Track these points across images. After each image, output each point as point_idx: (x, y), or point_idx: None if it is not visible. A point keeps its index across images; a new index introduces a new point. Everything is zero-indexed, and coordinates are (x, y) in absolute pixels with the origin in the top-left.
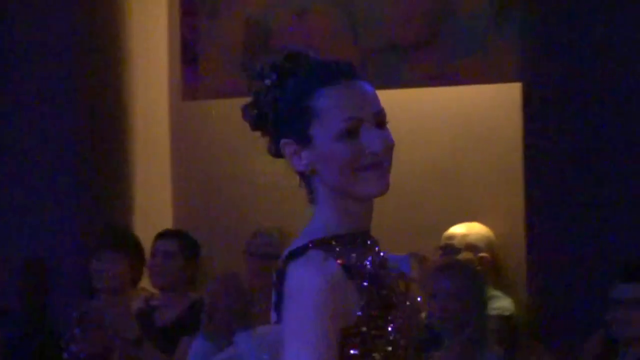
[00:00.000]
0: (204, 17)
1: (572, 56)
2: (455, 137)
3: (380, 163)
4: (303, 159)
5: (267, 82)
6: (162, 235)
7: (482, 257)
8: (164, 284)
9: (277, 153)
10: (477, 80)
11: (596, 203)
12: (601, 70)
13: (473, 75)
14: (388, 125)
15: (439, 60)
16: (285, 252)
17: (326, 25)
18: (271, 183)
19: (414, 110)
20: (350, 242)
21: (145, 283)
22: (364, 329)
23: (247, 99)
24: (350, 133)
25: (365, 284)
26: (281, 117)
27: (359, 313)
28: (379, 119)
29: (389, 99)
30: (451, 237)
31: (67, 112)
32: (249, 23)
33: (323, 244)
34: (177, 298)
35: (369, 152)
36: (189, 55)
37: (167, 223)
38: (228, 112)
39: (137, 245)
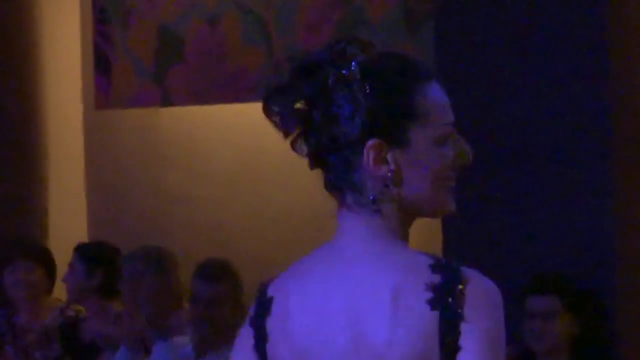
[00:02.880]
0: (117, 25)
1: (487, 67)
2: None
3: (454, 179)
4: (391, 163)
5: (346, 72)
6: (83, 248)
7: None
8: (81, 296)
9: (326, 160)
10: None
11: (508, 216)
12: (516, 77)
13: None
14: None
15: None
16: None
17: (239, 34)
18: (185, 194)
19: None
20: None
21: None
22: None
23: (161, 109)
24: (446, 139)
25: None
26: (368, 115)
27: None
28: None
29: None
30: None
31: None
32: (161, 31)
33: None
34: (98, 311)
35: (460, 162)
36: (102, 63)
37: (82, 233)
38: (141, 122)
39: (47, 254)
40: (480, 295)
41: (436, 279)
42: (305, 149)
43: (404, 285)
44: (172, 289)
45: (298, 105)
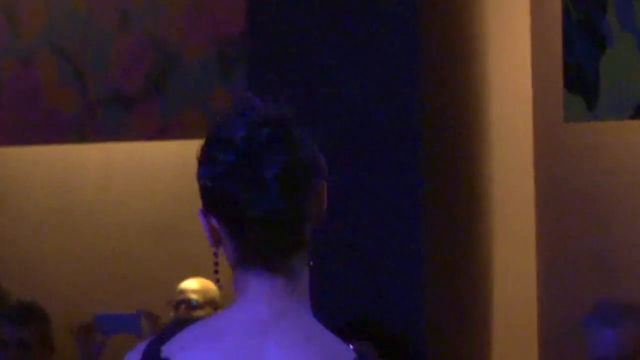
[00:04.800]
0: None
1: (301, 110)
2: (179, 191)
3: None
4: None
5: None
6: None
7: None
8: None
9: None
10: (202, 134)
11: (315, 256)
12: (330, 118)
13: (198, 129)
14: (109, 180)
15: (165, 112)
16: None
17: (53, 74)
18: None
19: (139, 164)
20: None
21: None
22: None
23: None
24: None
25: None
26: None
27: None
28: None
29: (114, 152)
30: (187, 291)
31: None
32: None
33: None
34: None
35: None
36: None
37: None
38: None
39: None
40: None
41: None
42: None
43: None
44: None
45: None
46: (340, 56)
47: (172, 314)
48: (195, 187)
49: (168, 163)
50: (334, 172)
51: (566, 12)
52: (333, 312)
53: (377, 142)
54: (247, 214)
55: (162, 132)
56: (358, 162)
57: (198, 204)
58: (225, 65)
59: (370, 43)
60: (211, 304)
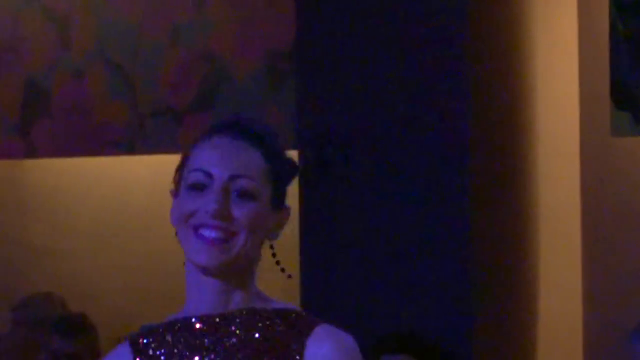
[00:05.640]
0: None
1: (349, 123)
2: None
3: (211, 228)
4: (172, 213)
5: None
6: None
7: None
8: None
9: None
10: None
11: (362, 266)
12: (377, 138)
13: None
14: (159, 192)
15: None
16: None
17: (104, 88)
18: (49, 246)
19: None
20: (173, 332)
21: None
22: None
23: (26, 161)
24: (197, 187)
25: None
26: None
27: None
28: (235, 187)
29: (164, 164)
30: None
31: None
32: (27, 84)
33: (141, 335)
34: None
35: (203, 210)
36: None
37: None
38: (5, 173)
39: None
40: None
41: None
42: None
43: None
44: None
45: None
46: (389, 70)
47: None
48: None
49: None
50: (382, 183)
51: (613, 28)
52: (376, 322)
53: (426, 155)
54: None
55: None
56: (405, 176)
57: None
58: (275, 80)
59: (419, 58)
60: None
